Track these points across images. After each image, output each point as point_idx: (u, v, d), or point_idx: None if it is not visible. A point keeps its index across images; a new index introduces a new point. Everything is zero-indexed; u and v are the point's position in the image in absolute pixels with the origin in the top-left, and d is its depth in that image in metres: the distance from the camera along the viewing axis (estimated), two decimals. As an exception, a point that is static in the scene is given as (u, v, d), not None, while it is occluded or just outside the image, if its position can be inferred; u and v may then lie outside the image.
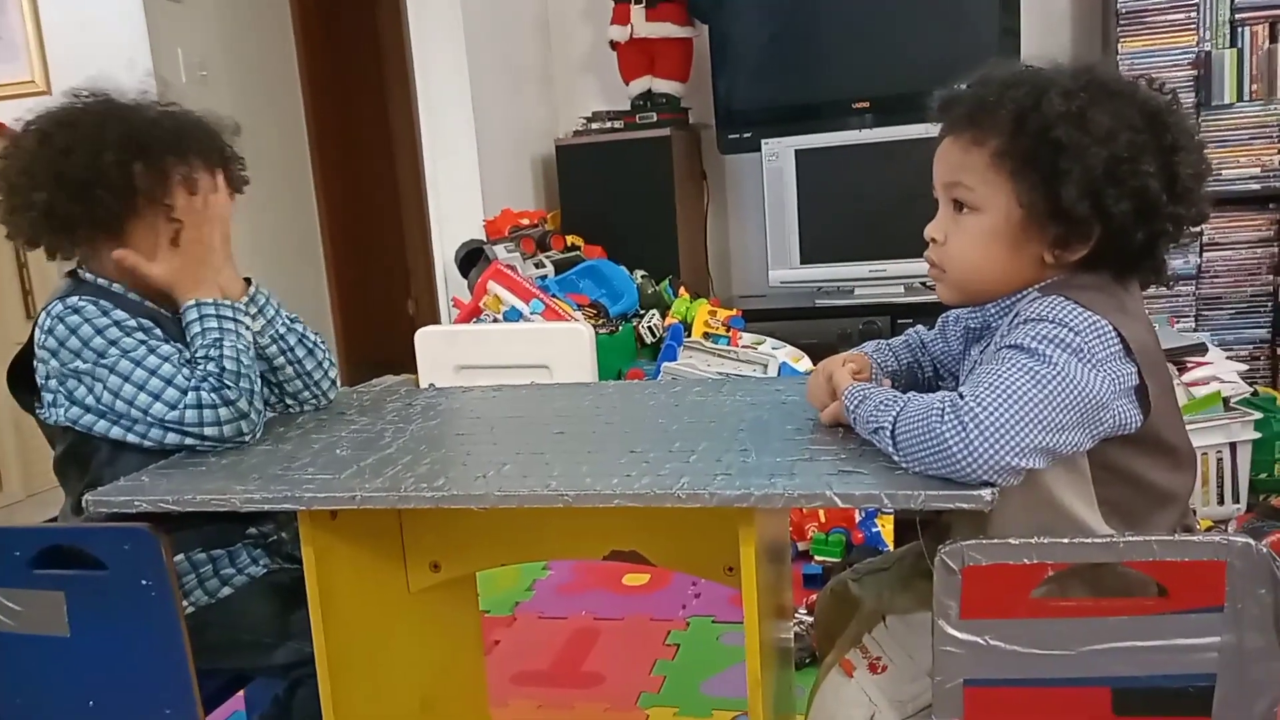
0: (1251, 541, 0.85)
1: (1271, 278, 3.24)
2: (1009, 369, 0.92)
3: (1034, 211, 1.00)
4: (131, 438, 1.23)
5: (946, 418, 0.90)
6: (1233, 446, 2.35)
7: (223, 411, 1.22)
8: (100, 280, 1.30)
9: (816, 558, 2.34)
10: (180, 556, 1.26)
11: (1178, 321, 3.23)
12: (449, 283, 3.57)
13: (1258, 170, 3.18)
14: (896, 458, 0.95)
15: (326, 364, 1.43)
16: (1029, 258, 1.03)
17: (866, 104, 3.57)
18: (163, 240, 1.28)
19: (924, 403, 0.93)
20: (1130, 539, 0.87)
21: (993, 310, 1.08)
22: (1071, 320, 0.95)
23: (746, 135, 3.71)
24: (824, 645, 1.29)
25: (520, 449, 1.16)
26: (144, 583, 1.10)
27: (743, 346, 3.14)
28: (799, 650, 1.82)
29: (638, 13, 3.80)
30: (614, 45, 3.91)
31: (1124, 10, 3.24)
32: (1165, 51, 3.22)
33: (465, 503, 1.02)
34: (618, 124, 3.87)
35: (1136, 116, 0.98)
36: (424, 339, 2.92)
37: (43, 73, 3.48)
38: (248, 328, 1.31)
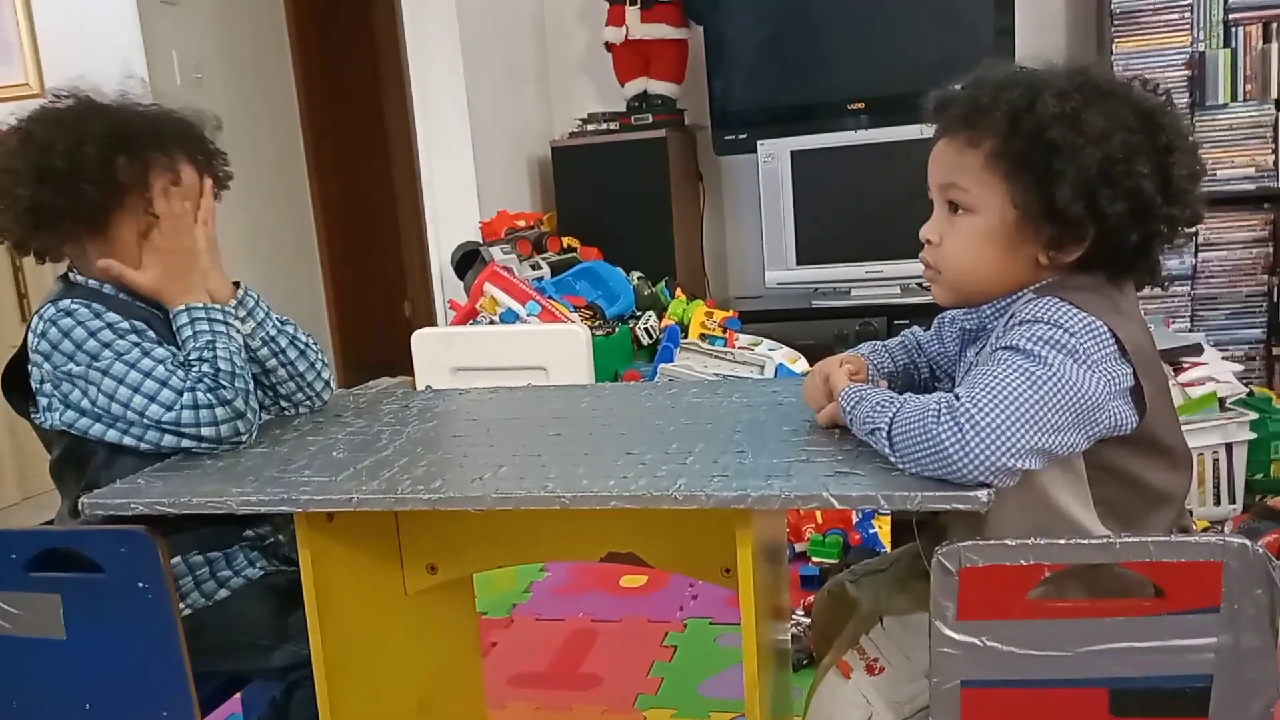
0: (1248, 542, 0.85)
1: (1266, 278, 3.25)
2: (1004, 370, 0.92)
3: (1029, 213, 1.00)
4: (128, 440, 1.23)
5: (943, 419, 0.90)
6: (1229, 447, 2.35)
7: (219, 411, 1.22)
8: (92, 282, 1.30)
9: (814, 559, 2.34)
10: (177, 559, 1.26)
11: (1173, 322, 3.23)
12: (445, 284, 3.56)
13: (1252, 170, 3.19)
14: (893, 459, 0.96)
15: (319, 365, 1.43)
16: (1024, 259, 1.03)
17: (862, 105, 3.58)
18: (149, 238, 1.28)
19: (920, 404, 0.93)
20: (1126, 540, 0.87)
21: (988, 311, 1.08)
22: (1066, 321, 0.95)
23: (742, 136, 3.71)
24: (821, 646, 1.29)
25: (517, 451, 1.16)
26: (140, 585, 1.09)
27: (739, 348, 3.14)
28: (796, 651, 1.82)
29: (633, 14, 3.80)
30: (609, 47, 3.91)
31: (1118, 11, 3.24)
32: (1159, 52, 3.23)
33: (462, 505, 1.02)
34: (613, 125, 3.87)
35: (1131, 117, 0.98)
36: (420, 341, 2.92)
37: (36, 75, 3.47)
38: (238, 330, 1.31)
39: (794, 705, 1.35)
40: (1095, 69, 1.03)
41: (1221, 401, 2.40)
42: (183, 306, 1.28)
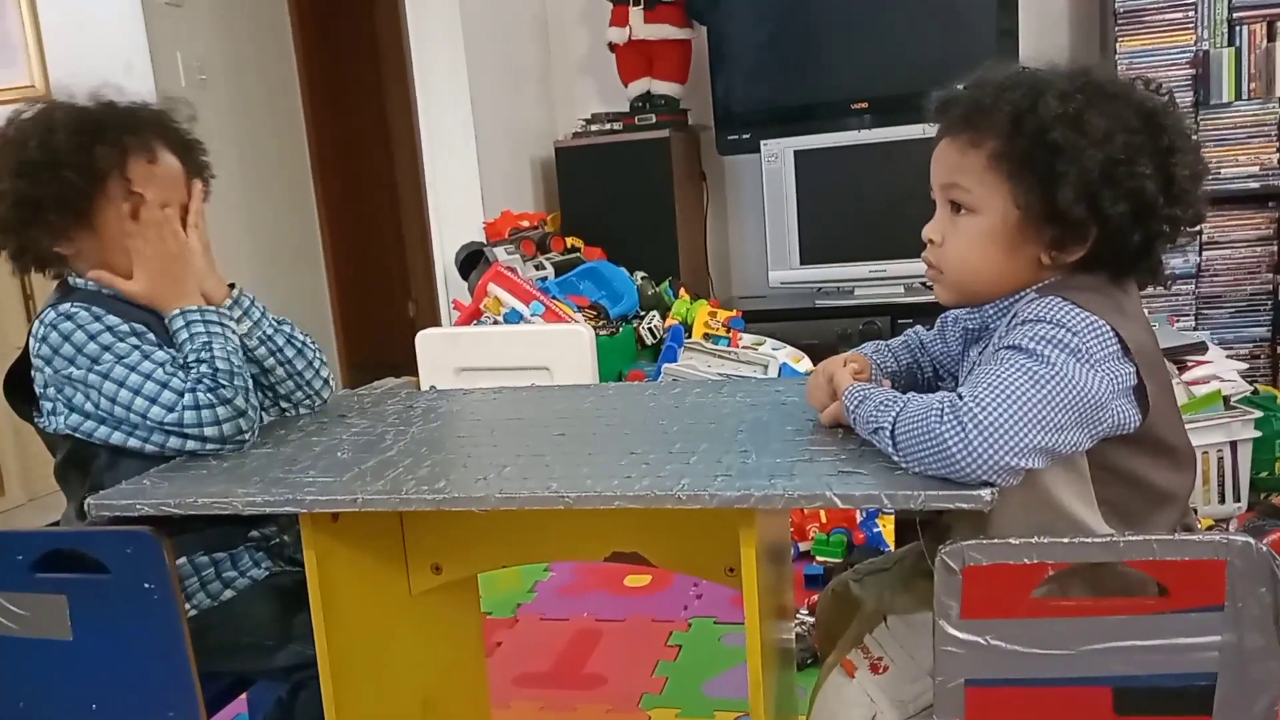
0: (1251, 540, 0.85)
1: (1271, 276, 3.24)
2: (1008, 369, 0.92)
3: (1031, 213, 1.00)
4: (133, 443, 1.23)
5: (946, 418, 0.90)
6: (1233, 445, 2.35)
7: (220, 411, 1.22)
8: (91, 285, 1.30)
9: (818, 558, 2.34)
10: (182, 559, 1.27)
11: (1177, 320, 3.23)
12: (449, 285, 3.57)
13: (1256, 169, 3.18)
14: (896, 458, 0.96)
15: (318, 364, 1.43)
16: (1026, 259, 1.03)
17: (865, 104, 3.58)
18: (136, 248, 1.28)
19: (924, 403, 0.93)
20: (1130, 538, 0.87)
21: (991, 311, 1.08)
22: (1069, 321, 0.95)
23: (745, 136, 3.71)
24: (825, 646, 1.29)
25: (521, 451, 1.17)
26: (146, 586, 1.10)
27: (743, 347, 3.15)
28: (800, 651, 1.82)
29: (636, 14, 3.80)
30: (612, 47, 3.91)
31: (1122, 10, 3.24)
32: (1163, 51, 3.22)
33: (466, 505, 1.02)
34: (617, 126, 3.87)
35: (1133, 118, 0.98)
36: (424, 341, 2.92)
37: (42, 76, 3.48)
38: (234, 330, 1.31)
39: (798, 704, 1.35)
40: (1098, 69, 1.03)
41: (1226, 400, 2.40)
42: (177, 311, 1.28)
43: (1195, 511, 1.13)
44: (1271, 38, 3.14)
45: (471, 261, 3.30)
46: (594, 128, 3.91)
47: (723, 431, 1.17)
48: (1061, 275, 1.03)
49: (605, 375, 2.89)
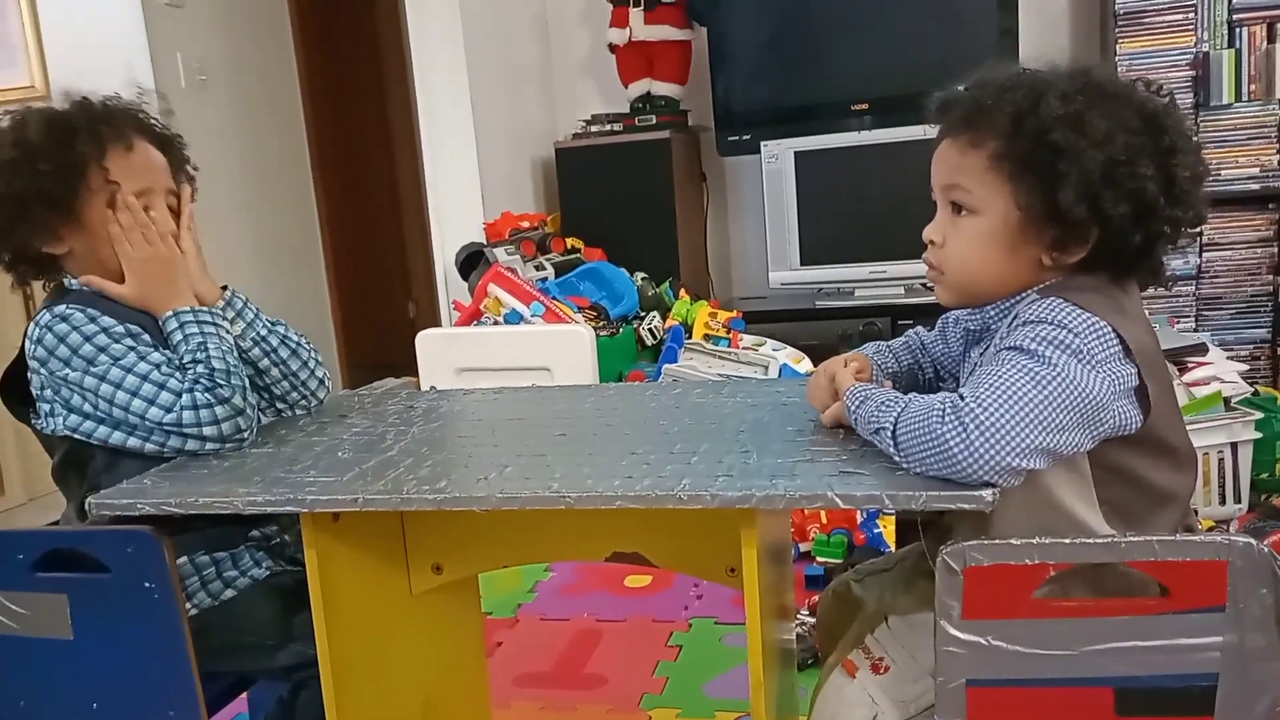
0: (1253, 541, 0.85)
1: (1271, 277, 3.25)
2: (1009, 370, 0.92)
3: (1032, 214, 1.00)
4: (132, 442, 1.23)
5: (947, 418, 0.90)
6: (1234, 446, 2.35)
7: (219, 410, 1.22)
8: (86, 286, 1.30)
9: (818, 559, 2.34)
10: (183, 559, 1.27)
11: (1178, 322, 3.23)
12: (449, 285, 3.57)
13: (1256, 170, 3.18)
14: (897, 458, 0.96)
15: (313, 364, 1.43)
16: (1027, 260, 1.03)
17: (865, 105, 3.58)
18: (124, 253, 1.28)
19: (925, 403, 0.93)
20: (1132, 539, 0.87)
21: (992, 312, 1.08)
22: (1070, 322, 0.95)
23: (746, 137, 3.71)
24: (826, 646, 1.29)
25: (522, 451, 1.17)
26: (147, 585, 1.10)
27: (743, 348, 3.15)
28: (801, 651, 1.82)
29: (636, 15, 3.80)
30: (613, 48, 3.91)
31: (1122, 11, 3.24)
32: (1163, 52, 3.23)
33: (467, 505, 1.02)
34: (617, 126, 3.87)
35: (1134, 119, 0.98)
36: (425, 341, 2.92)
37: (42, 77, 3.48)
38: (228, 330, 1.31)
39: (799, 705, 1.35)
40: (1098, 70, 1.03)
41: (1226, 401, 2.40)
42: (170, 313, 1.28)
43: (1196, 513, 1.13)
44: (1272, 39, 3.14)
45: (472, 262, 3.30)
46: (594, 128, 3.91)
47: (724, 432, 1.17)
48: (1062, 276, 1.03)
49: (605, 376, 2.89)
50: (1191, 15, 3.19)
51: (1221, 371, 2.48)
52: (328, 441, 1.26)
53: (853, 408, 1.04)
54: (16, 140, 1.26)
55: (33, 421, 1.30)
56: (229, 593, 1.31)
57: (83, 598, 1.13)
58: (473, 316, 3.06)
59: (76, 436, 1.25)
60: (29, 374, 1.27)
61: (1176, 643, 0.87)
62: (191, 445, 1.23)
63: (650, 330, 3.25)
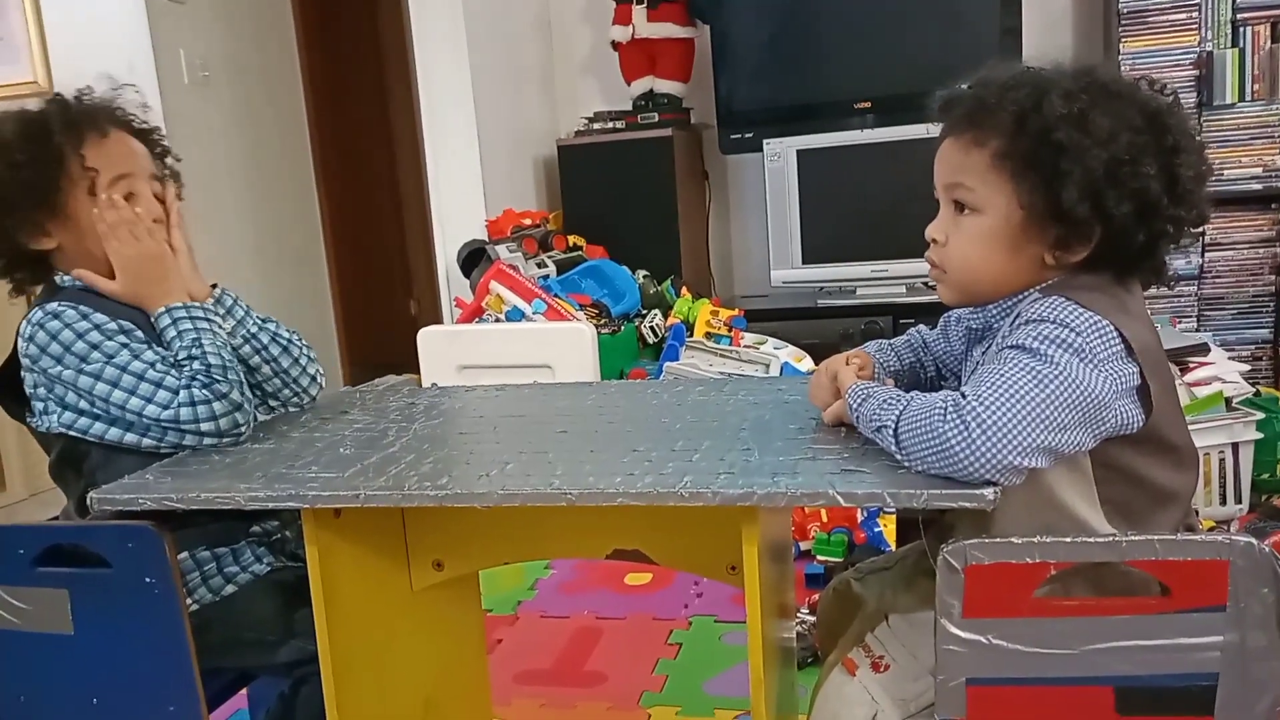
0: (1254, 541, 0.85)
1: (1273, 278, 3.24)
2: (1011, 369, 0.92)
3: (1034, 213, 1.00)
4: (129, 438, 1.23)
5: (949, 417, 0.90)
6: (1235, 447, 2.35)
7: (216, 406, 1.22)
8: (77, 283, 1.30)
9: (819, 557, 2.34)
10: (184, 554, 1.27)
11: (1180, 321, 3.23)
12: (451, 283, 3.57)
13: (1259, 170, 3.18)
14: (899, 456, 0.96)
15: (305, 360, 1.42)
16: (1029, 259, 1.03)
17: (868, 104, 3.57)
18: (111, 251, 1.28)
19: (927, 402, 0.93)
20: (1133, 538, 0.87)
21: (994, 311, 1.08)
22: (1073, 321, 0.95)
23: (748, 135, 3.71)
24: (826, 644, 1.29)
25: (523, 448, 1.17)
26: (148, 580, 1.10)
27: (745, 346, 3.15)
28: (801, 649, 1.82)
29: (639, 13, 3.80)
30: (615, 45, 3.91)
31: (1125, 10, 3.24)
32: (1167, 51, 3.22)
33: (469, 501, 1.02)
34: (619, 124, 3.87)
35: (1137, 118, 0.98)
36: (426, 339, 2.92)
37: (45, 73, 3.48)
38: (221, 325, 1.31)
39: (799, 703, 1.35)
40: (1102, 69, 1.02)
41: (1228, 401, 2.40)
42: (162, 309, 1.28)
43: (1196, 513, 1.13)
44: (1275, 39, 3.14)
45: (473, 259, 3.30)
46: (596, 126, 3.91)
47: (725, 429, 1.17)
48: (1065, 275, 1.03)
49: (607, 374, 2.89)
50: (1195, 14, 3.18)
51: (1223, 371, 2.48)
52: (329, 437, 1.27)
53: (854, 406, 1.04)
54: None
55: (28, 420, 1.30)
56: (230, 588, 1.31)
57: (83, 593, 1.13)
58: (474, 314, 3.07)
59: (72, 433, 1.25)
60: (22, 372, 1.27)
61: (1177, 642, 0.87)
62: (190, 440, 1.23)
63: (652, 328, 3.25)
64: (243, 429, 1.25)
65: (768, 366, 3.04)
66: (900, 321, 3.36)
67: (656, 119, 3.82)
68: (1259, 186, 3.18)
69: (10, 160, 1.25)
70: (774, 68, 3.72)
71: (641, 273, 3.49)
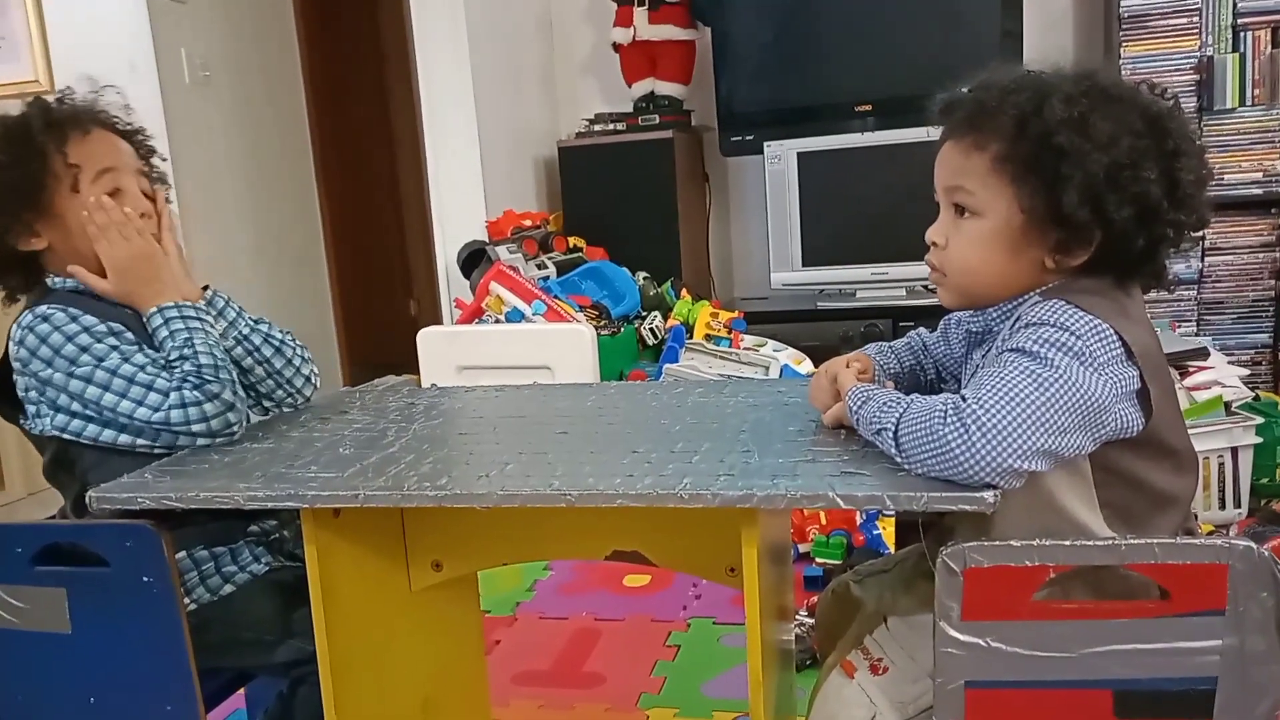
0: (1253, 545, 0.85)
1: (1273, 282, 3.24)
2: (1011, 372, 0.92)
3: (1035, 217, 1.00)
4: (123, 439, 1.23)
5: (949, 420, 0.90)
6: (1234, 451, 2.35)
7: (208, 407, 1.22)
8: (69, 283, 1.30)
9: (817, 560, 2.34)
10: (182, 553, 1.27)
11: (1179, 326, 3.23)
12: (451, 283, 3.57)
13: (1260, 175, 3.18)
14: (899, 459, 0.96)
15: (298, 361, 1.42)
16: (1030, 262, 1.03)
17: (869, 106, 3.58)
18: (102, 252, 1.28)
19: (927, 405, 0.93)
20: (1132, 541, 0.87)
21: (994, 314, 1.08)
22: (1073, 324, 0.95)
23: (749, 137, 3.71)
24: (825, 646, 1.29)
25: (523, 449, 1.16)
26: (145, 580, 1.10)
27: (744, 348, 3.15)
28: (800, 652, 1.82)
29: (640, 15, 3.80)
30: (616, 47, 3.91)
31: (1126, 14, 3.24)
32: (1167, 56, 3.22)
33: (468, 502, 1.02)
34: (620, 126, 3.87)
35: (1138, 122, 0.98)
36: (426, 339, 2.92)
37: (46, 72, 3.48)
38: (213, 324, 1.31)
39: (797, 705, 1.35)
40: (1102, 73, 1.02)
41: (1227, 405, 2.40)
42: (154, 309, 1.28)
43: (1195, 517, 1.13)
44: (1276, 44, 3.14)
45: (473, 260, 3.30)
46: (597, 128, 3.91)
47: (725, 431, 1.17)
48: (1065, 278, 1.03)
49: (607, 375, 2.89)
50: (1196, 19, 3.19)
51: (1222, 376, 2.48)
52: (329, 437, 1.26)
53: (854, 408, 1.04)
54: None
55: (21, 422, 1.29)
56: (228, 588, 1.30)
57: (81, 592, 1.13)
58: (474, 315, 3.06)
59: (65, 436, 1.25)
60: (14, 376, 1.27)
61: (1176, 646, 0.87)
62: (183, 441, 1.23)
63: (651, 330, 3.25)
64: (235, 428, 1.25)
65: (767, 369, 3.04)
66: (900, 324, 3.36)
67: (657, 121, 3.82)
68: (1259, 191, 3.18)
69: None
70: (775, 70, 3.72)
71: (641, 274, 3.49)
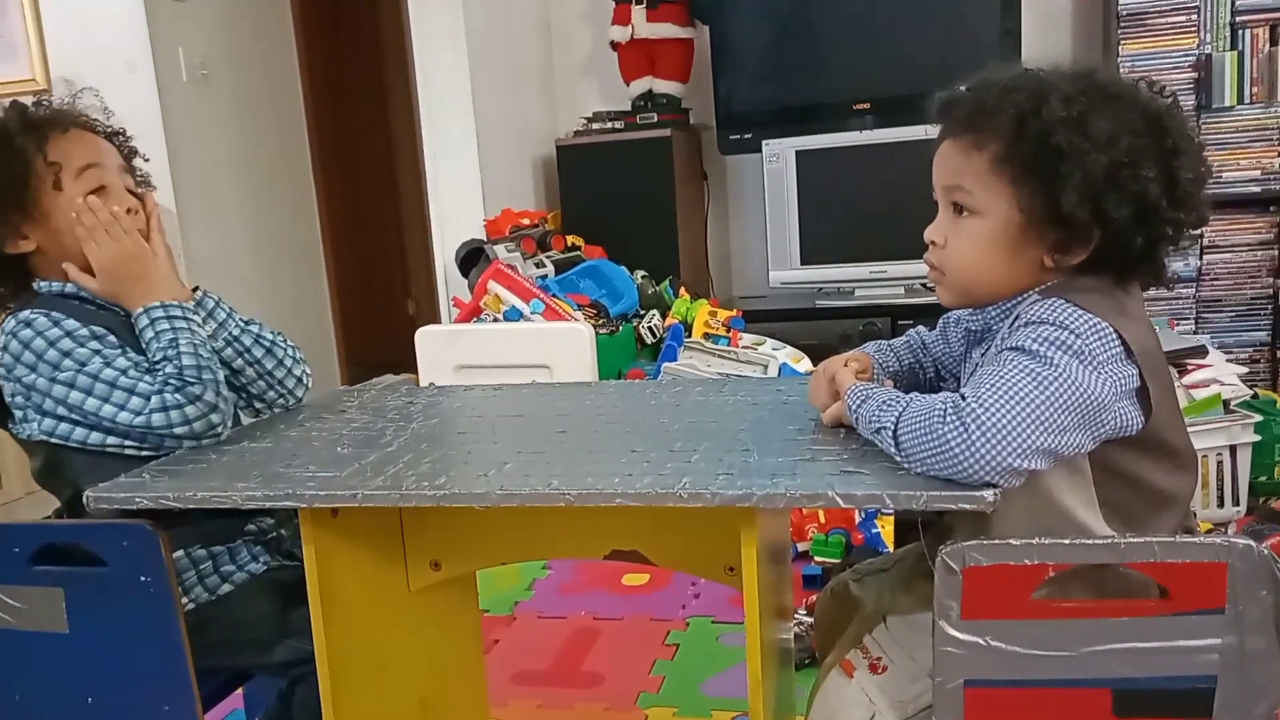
0: (1252, 543, 0.85)
1: (1272, 280, 3.25)
2: (1010, 371, 0.92)
3: (1034, 216, 1.00)
4: (111, 441, 1.23)
5: (949, 419, 0.90)
6: (1233, 449, 2.35)
7: (190, 410, 1.22)
8: (55, 287, 1.30)
9: (816, 558, 2.34)
10: (180, 553, 1.27)
11: (1178, 324, 3.23)
12: (449, 282, 3.57)
13: (1258, 173, 3.18)
14: (899, 458, 0.95)
15: (290, 361, 1.42)
16: (1029, 261, 1.03)
17: (867, 105, 3.58)
18: (90, 253, 1.28)
19: (926, 403, 0.93)
20: (1131, 540, 0.87)
21: (993, 313, 1.08)
22: (1072, 323, 0.95)
23: (747, 136, 3.71)
24: (824, 646, 1.29)
25: (521, 448, 1.16)
26: (143, 579, 1.10)
27: (743, 347, 3.15)
28: (799, 651, 1.82)
29: (638, 13, 3.80)
30: (615, 46, 3.91)
31: (1125, 12, 3.24)
32: (1166, 54, 3.22)
33: (466, 501, 1.02)
34: (618, 124, 3.87)
35: (1137, 121, 0.98)
36: (424, 338, 2.92)
37: (43, 71, 3.48)
38: (200, 324, 1.30)
39: (796, 704, 1.35)
40: (1101, 72, 1.02)
41: (1226, 404, 2.40)
42: (141, 310, 1.27)
43: (1194, 515, 1.13)
44: (1274, 41, 3.14)
45: (472, 259, 3.30)
46: (595, 126, 3.91)
47: (724, 430, 1.17)
48: (1064, 277, 1.03)
49: (605, 374, 2.89)
50: (1194, 17, 3.19)
51: (1221, 374, 2.48)
52: (327, 437, 1.26)
53: (854, 407, 1.04)
54: None
55: (9, 427, 1.29)
56: (226, 588, 1.30)
57: (79, 591, 1.13)
58: (472, 314, 3.06)
59: (53, 440, 1.25)
60: (1, 381, 1.27)
61: (1176, 644, 0.87)
62: (169, 444, 1.23)
63: (650, 328, 3.25)
64: (219, 429, 1.25)
65: (766, 367, 3.04)
66: (899, 323, 3.36)
67: (655, 119, 3.82)
68: (1257, 189, 3.19)
69: None
70: (773, 68, 3.72)
71: (640, 273, 3.48)
